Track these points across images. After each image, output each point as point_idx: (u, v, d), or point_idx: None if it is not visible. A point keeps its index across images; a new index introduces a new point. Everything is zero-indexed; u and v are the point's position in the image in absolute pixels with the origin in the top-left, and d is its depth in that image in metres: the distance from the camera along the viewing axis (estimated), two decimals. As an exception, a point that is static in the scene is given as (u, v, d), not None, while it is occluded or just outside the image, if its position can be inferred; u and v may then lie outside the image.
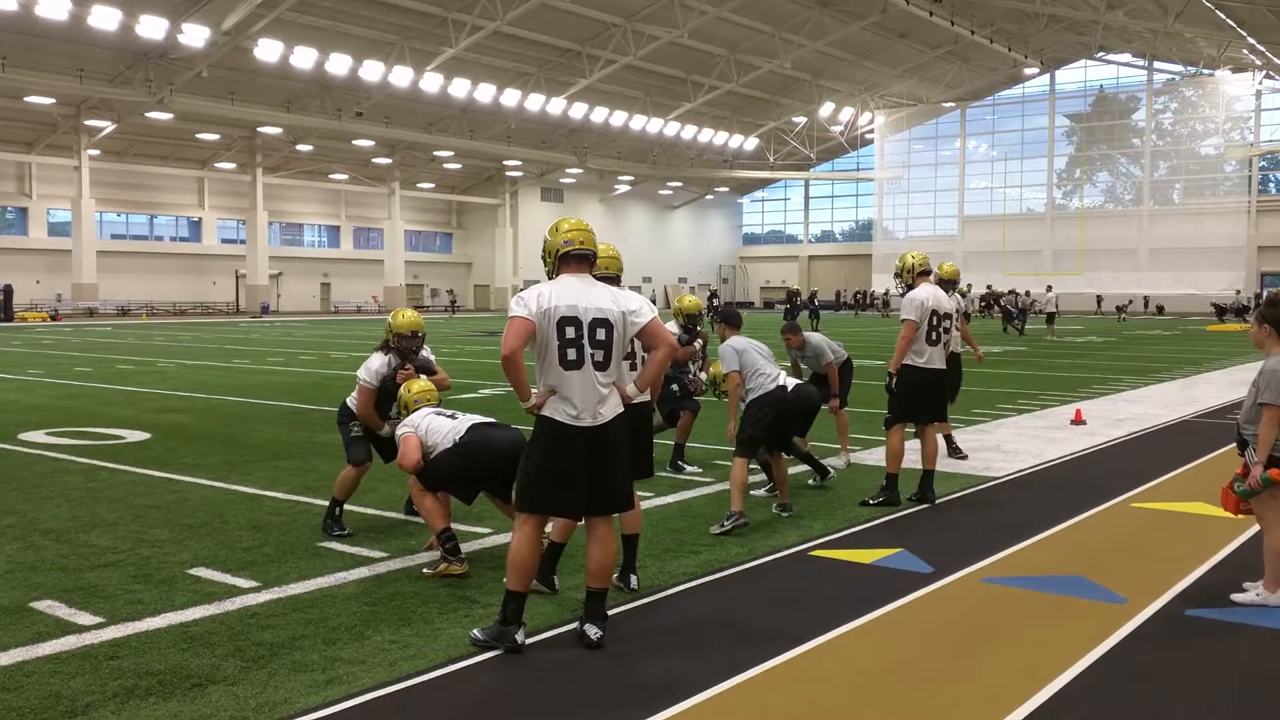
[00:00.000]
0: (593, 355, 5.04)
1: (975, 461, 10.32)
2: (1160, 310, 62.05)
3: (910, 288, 8.43)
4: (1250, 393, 5.65)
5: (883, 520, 7.77)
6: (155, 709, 4.28)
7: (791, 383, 8.05)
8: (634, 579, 5.96)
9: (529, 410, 5.08)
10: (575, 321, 5.02)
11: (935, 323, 8.23)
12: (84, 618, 5.41)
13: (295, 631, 5.22)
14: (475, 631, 5.10)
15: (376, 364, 7.19)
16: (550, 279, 5.23)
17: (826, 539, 7.18)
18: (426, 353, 7.48)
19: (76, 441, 11.51)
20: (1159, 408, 15.05)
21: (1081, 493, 8.78)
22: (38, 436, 11.88)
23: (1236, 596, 5.75)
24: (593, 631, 5.08)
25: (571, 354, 5.01)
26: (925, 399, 8.37)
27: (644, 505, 8.16)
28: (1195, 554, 6.68)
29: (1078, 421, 13.13)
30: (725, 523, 7.37)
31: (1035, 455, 10.62)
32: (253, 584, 6.03)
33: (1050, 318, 37.75)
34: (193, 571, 6.29)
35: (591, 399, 5.03)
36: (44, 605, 5.62)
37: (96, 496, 8.49)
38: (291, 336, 35.96)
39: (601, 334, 5.07)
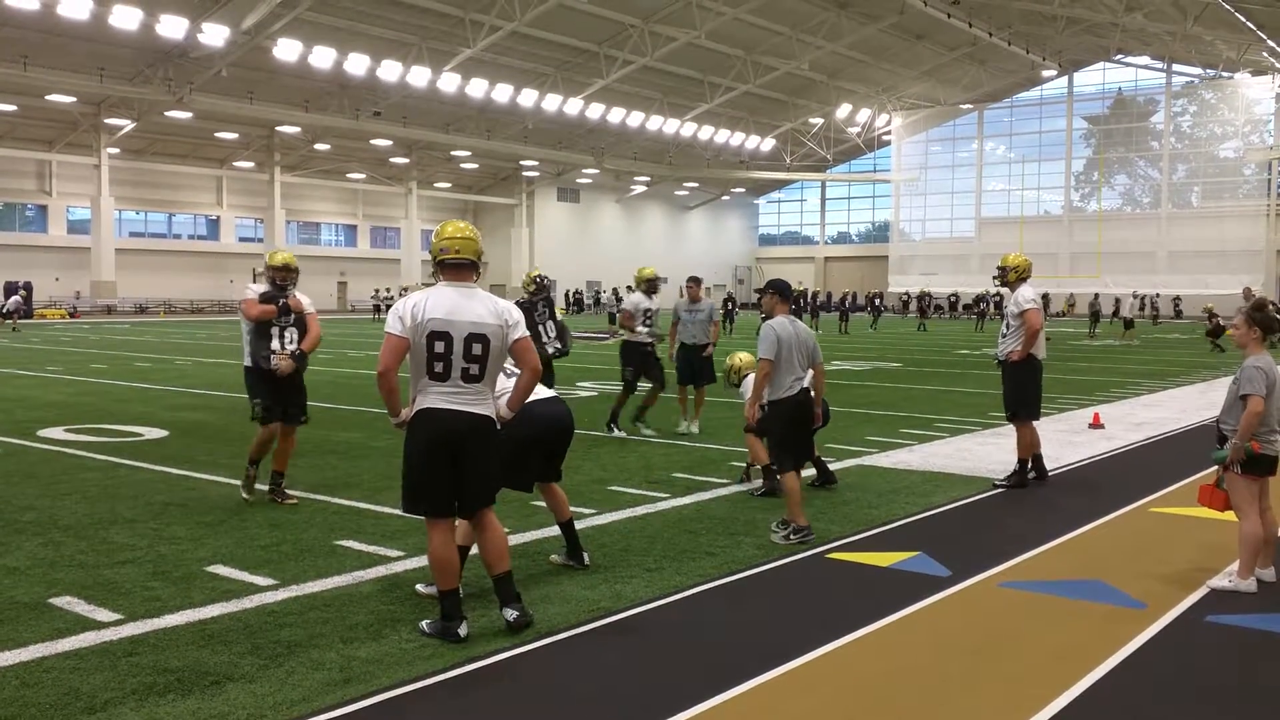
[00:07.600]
0: (466, 369, 5.06)
1: (993, 465, 10.28)
2: (1178, 314, 61.66)
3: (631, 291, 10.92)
4: (1230, 389, 6.16)
5: (900, 523, 7.74)
6: (174, 706, 4.30)
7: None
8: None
9: (397, 426, 5.19)
10: (445, 336, 5.03)
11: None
12: (103, 614, 5.43)
13: (313, 630, 5.24)
14: (423, 624, 5.25)
15: (258, 289, 9.21)
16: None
17: (843, 541, 7.16)
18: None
19: (95, 438, 11.57)
20: (1177, 412, 14.97)
21: (1100, 497, 8.74)
22: (56, 433, 11.94)
23: (1211, 581, 6.13)
24: (510, 614, 5.24)
25: (439, 367, 5.05)
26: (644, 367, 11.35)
27: (660, 507, 8.17)
28: (1215, 559, 6.64)
29: (1096, 425, 13.06)
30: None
31: (1053, 459, 10.53)
32: (270, 582, 6.05)
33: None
34: (210, 569, 6.31)
35: (456, 406, 5.07)
36: (63, 601, 5.65)
37: (115, 493, 8.53)
38: (308, 335, 35.97)
39: (478, 348, 5.07)
